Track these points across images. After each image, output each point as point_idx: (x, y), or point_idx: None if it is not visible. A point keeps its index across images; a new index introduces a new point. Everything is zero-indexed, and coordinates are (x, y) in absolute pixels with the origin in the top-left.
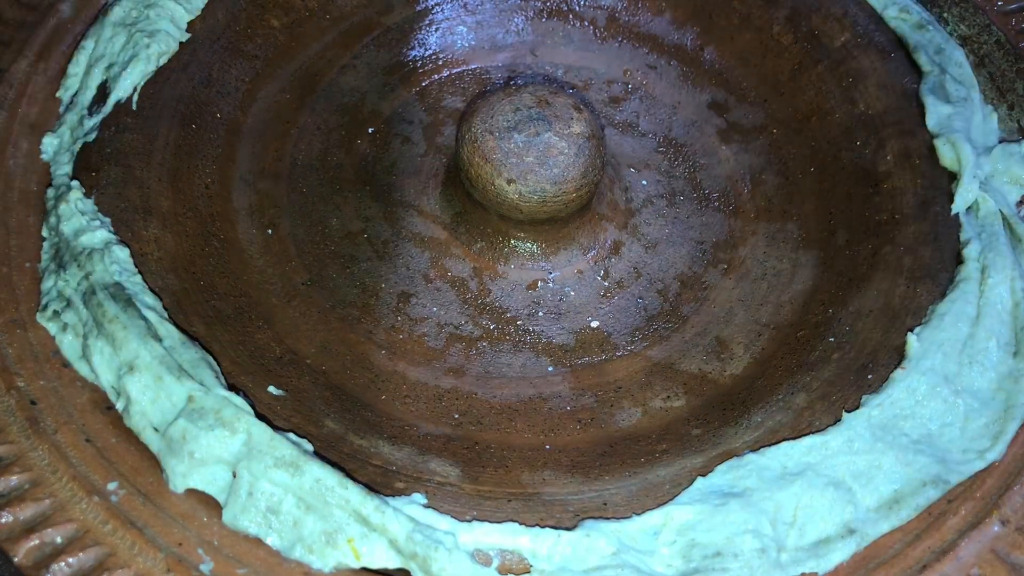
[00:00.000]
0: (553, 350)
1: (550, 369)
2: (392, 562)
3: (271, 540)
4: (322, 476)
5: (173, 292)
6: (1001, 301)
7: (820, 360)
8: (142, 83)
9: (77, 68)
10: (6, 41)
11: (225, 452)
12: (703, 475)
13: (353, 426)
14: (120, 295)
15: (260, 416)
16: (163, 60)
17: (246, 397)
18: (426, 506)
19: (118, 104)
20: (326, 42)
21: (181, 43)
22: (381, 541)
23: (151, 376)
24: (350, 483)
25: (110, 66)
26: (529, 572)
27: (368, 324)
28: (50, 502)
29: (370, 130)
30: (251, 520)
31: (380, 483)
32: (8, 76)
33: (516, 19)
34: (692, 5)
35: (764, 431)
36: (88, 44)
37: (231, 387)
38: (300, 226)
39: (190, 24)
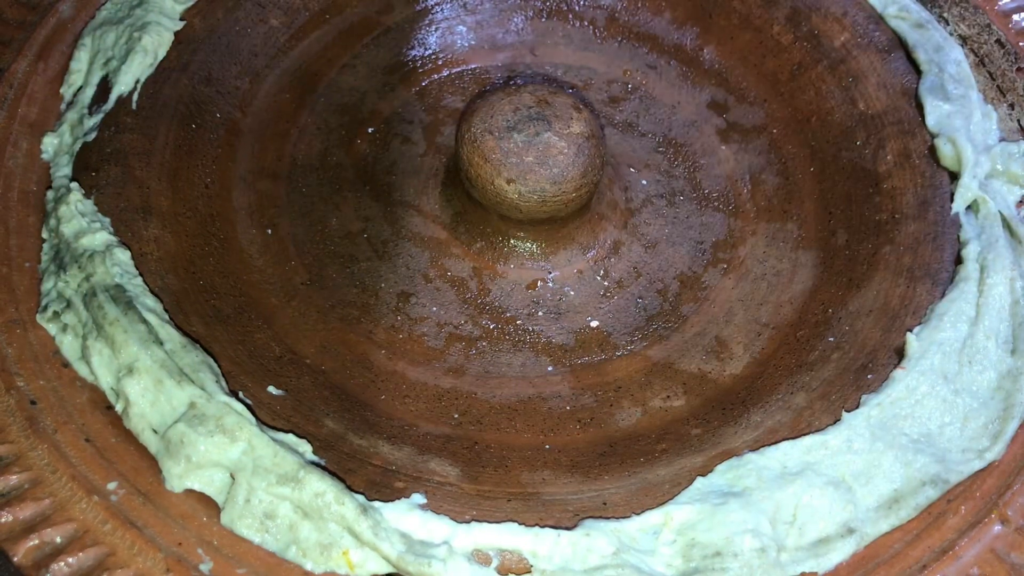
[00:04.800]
0: (553, 350)
1: (550, 369)
2: (389, 568)
3: (267, 543)
4: (320, 490)
5: (173, 292)
6: (1000, 300)
7: (820, 360)
8: (143, 76)
9: (79, 64)
10: (6, 41)
11: (223, 458)
12: (703, 475)
13: (353, 426)
14: (121, 297)
15: (260, 421)
16: (161, 52)
17: (246, 401)
18: (424, 507)
19: (120, 99)
20: (326, 41)
21: (181, 42)
22: (375, 554)
23: (151, 379)
24: (347, 498)
25: (108, 61)
26: (529, 572)
27: (368, 324)
28: (50, 502)
29: (370, 130)
30: (247, 525)
31: (379, 483)
32: (8, 76)
33: (516, 19)
34: (692, 5)
35: (764, 431)
36: (87, 41)
37: (231, 390)
38: (300, 226)
39: (189, 21)
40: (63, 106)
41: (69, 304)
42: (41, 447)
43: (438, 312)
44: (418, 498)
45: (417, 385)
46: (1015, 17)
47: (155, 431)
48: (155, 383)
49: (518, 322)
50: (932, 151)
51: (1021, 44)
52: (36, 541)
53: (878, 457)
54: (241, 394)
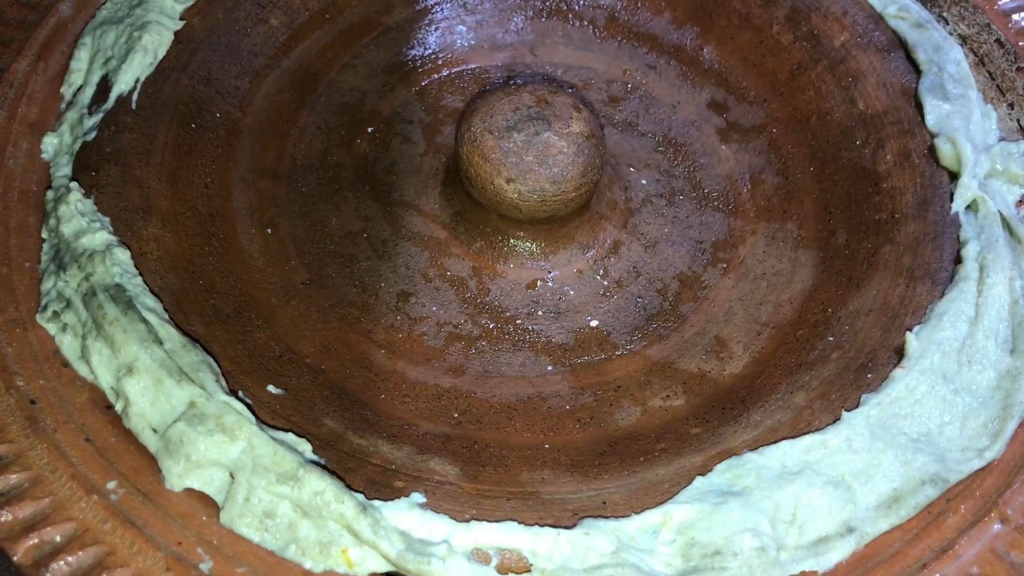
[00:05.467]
0: (552, 349)
1: (549, 368)
2: (387, 567)
3: (266, 542)
4: (320, 488)
5: (172, 291)
6: (999, 300)
7: (819, 359)
8: (143, 76)
9: (80, 64)
10: (6, 41)
11: (223, 457)
12: (702, 474)
13: (352, 425)
14: (120, 297)
15: (259, 420)
16: (161, 51)
17: (246, 401)
18: (423, 506)
19: (120, 98)
20: (326, 41)
21: (181, 42)
22: (374, 552)
23: (150, 379)
24: (346, 496)
25: (108, 60)
26: (529, 571)
27: (367, 323)
28: (49, 501)
29: (370, 129)
30: (247, 524)
31: (379, 482)
32: (8, 76)
33: (516, 18)
34: (691, 5)
35: (763, 430)
36: (87, 40)
37: (231, 389)
38: (300, 225)
39: (189, 21)
40: (63, 106)
41: (69, 304)
42: (41, 446)
43: (438, 312)
44: (418, 497)
45: (417, 384)
46: (1015, 17)
47: (155, 430)
48: (155, 382)
49: (518, 321)
50: (932, 151)
51: (1021, 44)
52: (36, 540)
53: (878, 456)
54: (241, 393)
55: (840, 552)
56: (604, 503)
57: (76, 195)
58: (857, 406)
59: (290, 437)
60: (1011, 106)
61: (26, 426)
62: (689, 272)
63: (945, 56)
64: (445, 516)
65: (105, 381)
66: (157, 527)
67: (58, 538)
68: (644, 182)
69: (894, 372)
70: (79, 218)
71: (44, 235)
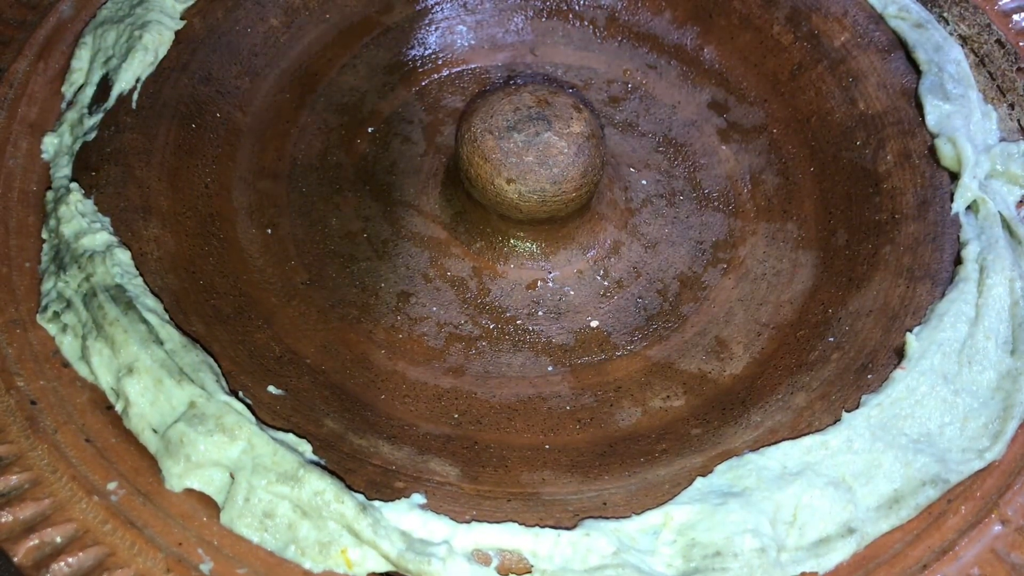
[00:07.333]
0: (553, 350)
1: (550, 369)
2: (387, 567)
3: (266, 542)
4: (320, 488)
5: (173, 292)
6: (999, 301)
7: (819, 360)
8: (144, 75)
9: (80, 63)
10: (6, 41)
11: (223, 457)
12: (703, 475)
13: (353, 425)
14: (121, 297)
15: (260, 420)
16: (162, 50)
17: (246, 401)
18: (424, 507)
19: (120, 97)
20: (326, 41)
21: (181, 42)
22: (374, 552)
23: (151, 379)
24: (346, 496)
25: (108, 59)
26: (530, 572)
27: (368, 324)
28: (50, 502)
29: (370, 129)
30: (247, 524)
31: (379, 483)
32: (8, 76)
33: (516, 19)
34: (692, 5)
35: (763, 431)
36: (88, 39)
37: (231, 390)
38: (300, 226)
39: (190, 21)
40: (63, 105)
41: (69, 304)
42: (41, 447)
43: (438, 312)
44: (418, 498)
45: (417, 385)
46: (1015, 17)
47: (155, 431)
48: (155, 383)
49: (518, 322)
50: (932, 151)
51: (1021, 44)
52: (36, 541)
53: (878, 457)
54: (241, 394)
55: (841, 553)
56: (605, 504)
57: (76, 195)
58: (857, 407)
59: (290, 437)
60: (1011, 106)
61: (26, 427)
62: (689, 272)
63: (945, 56)
64: (445, 517)
65: (105, 381)
66: (157, 528)
67: (58, 539)
68: (644, 182)
69: (894, 373)
70: (79, 218)
71: (44, 235)
